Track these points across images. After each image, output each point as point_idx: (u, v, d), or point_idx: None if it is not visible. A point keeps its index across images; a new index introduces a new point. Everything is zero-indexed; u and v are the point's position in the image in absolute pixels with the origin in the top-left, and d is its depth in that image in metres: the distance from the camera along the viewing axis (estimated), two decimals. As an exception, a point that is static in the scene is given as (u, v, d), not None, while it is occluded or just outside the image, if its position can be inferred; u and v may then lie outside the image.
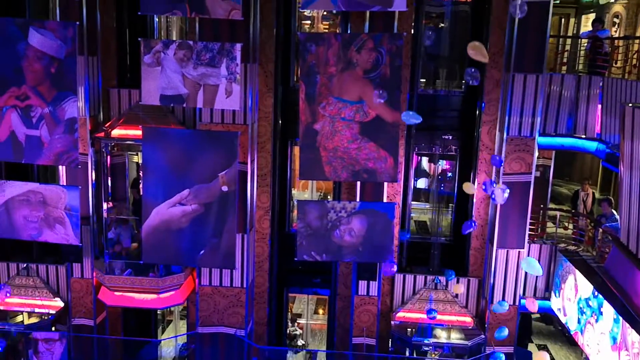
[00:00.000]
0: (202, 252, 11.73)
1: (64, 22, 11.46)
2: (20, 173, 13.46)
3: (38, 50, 11.02)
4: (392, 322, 13.28)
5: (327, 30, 15.37)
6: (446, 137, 13.41)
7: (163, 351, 15.60)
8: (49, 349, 12.41)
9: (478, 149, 12.97)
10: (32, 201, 11.76)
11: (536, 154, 12.39)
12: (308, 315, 16.37)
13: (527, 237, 12.61)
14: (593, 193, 14.44)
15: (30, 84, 11.17)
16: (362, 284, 13.21)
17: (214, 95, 11.06)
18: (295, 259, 11.97)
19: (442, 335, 13.05)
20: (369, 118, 11.10)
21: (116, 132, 12.46)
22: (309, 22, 15.80)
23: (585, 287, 11.77)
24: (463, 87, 13.35)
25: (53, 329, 13.04)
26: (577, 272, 12.15)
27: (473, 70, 9.03)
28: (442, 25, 13.83)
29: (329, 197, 14.92)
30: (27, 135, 11.34)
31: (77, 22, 11.15)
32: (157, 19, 13.92)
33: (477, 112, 12.99)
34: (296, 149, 13.33)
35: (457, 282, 13.10)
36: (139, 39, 11.06)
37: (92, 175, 12.81)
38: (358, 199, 12.56)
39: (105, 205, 12.97)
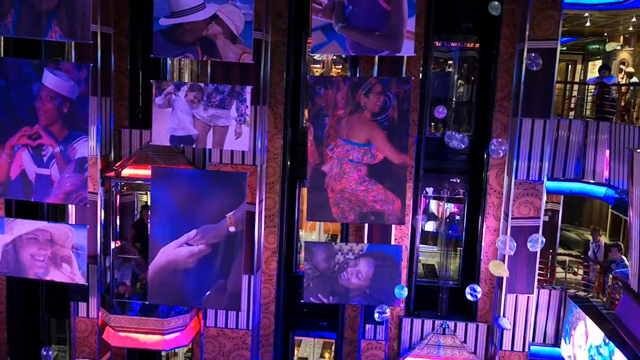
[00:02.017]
0: (208, 293, 11.66)
1: (78, 63, 11.69)
2: (30, 211, 13.54)
3: (51, 91, 11.22)
4: (399, 368, 13.07)
5: (339, 74, 15.58)
6: (454, 180, 13.42)
7: (167, 394, 15.40)
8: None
9: (486, 193, 12.95)
10: (40, 240, 11.79)
11: (544, 198, 12.35)
12: None
13: (536, 282, 12.47)
14: (605, 243, 14.31)
15: (43, 124, 11.33)
16: (369, 328, 13.05)
17: (223, 136, 11.17)
18: (302, 301, 11.87)
19: (450, 382, 12.80)
20: (376, 160, 11.15)
21: (126, 172, 12.57)
22: (319, 65, 16.05)
23: (596, 334, 11.55)
24: (471, 130, 13.42)
25: None
26: (588, 319, 11.94)
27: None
28: (450, 69, 14.01)
29: (337, 239, 14.86)
30: (37, 173, 11.44)
31: (91, 64, 11.37)
32: (169, 62, 14.18)
33: (485, 155, 13.02)
34: (304, 190, 13.37)
35: (466, 331, 12.99)
36: (151, 80, 11.25)
37: (101, 214, 12.88)
38: (365, 241, 12.52)
39: (113, 245, 12.98)
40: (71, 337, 13.79)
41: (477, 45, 13.48)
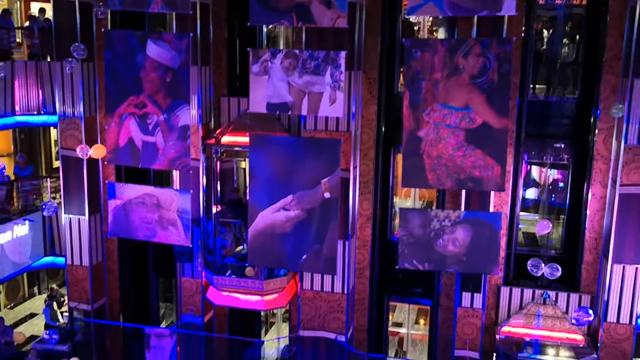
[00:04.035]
0: (304, 257, 11.88)
1: (179, 33, 12.09)
2: (138, 177, 14.31)
3: (155, 61, 11.67)
4: (497, 337, 12.84)
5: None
6: (558, 145, 12.82)
7: (266, 352, 15.97)
8: (159, 344, 13.05)
9: (592, 158, 12.31)
10: (148, 204, 12.43)
11: (658, 163, 11.57)
12: (409, 325, 16.15)
13: (646, 252, 11.79)
14: None
15: (147, 93, 11.85)
16: (466, 296, 12.88)
17: (318, 102, 11.21)
18: (397, 267, 11.86)
19: (550, 352, 12.44)
20: (475, 125, 10.80)
21: (226, 139, 12.95)
22: (416, 28, 15.68)
23: None
24: (577, 93, 12.72)
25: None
26: None
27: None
28: (554, 28, 13.27)
29: (432, 206, 14.68)
30: (144, 141, 12.02)
31: (191, 34, 11.70)
32: (265, 30, 14.35)
33: (592, 119, 12.33)
34: (399, 157, 13.23)
35: (567, 302, 12.65)
36: (248, 49, 11.45)
37: (203, 180, 13.40)
38: (463, 208, 12.28)
39: (214, 209, 13.50)
40: (177, 295, 14.59)
41: (584, 1, 12.66)
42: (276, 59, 11.20)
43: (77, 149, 12.29)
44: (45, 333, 12.53)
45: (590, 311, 10.47)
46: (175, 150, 11.85)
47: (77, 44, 11.75)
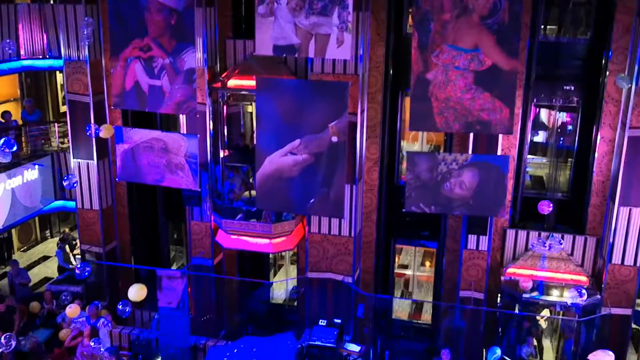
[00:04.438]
0: (312, 200, 11.96)
1: (184, -26, 11.83)
2: (145, 122, 14.31)
3: (159, 3, 11.47)
4: (502, 278, 13.03)
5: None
6: (568, 87, 12.66)
7: (275, 293, 16.32)
8: (171, 285, 13.33)
9: (603, 101, 12.16)
10: (155, 148, 12.48)
11: (669, 105, 11.44)
12: (415, 267, 16.40)
13: (653, 195, 11.80)
14: None
15: (152, 35, 11.71)
16: (472, 238, 13.00)
17: (325, 44, 11.05)
18: (404, 210, 11.94)
19: (554, 294, 12.64)
20: (484, 67, 10.65)
21: (232, 83, 12.84)
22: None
23: None
24: (589, 33, 12.47)
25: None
26: None
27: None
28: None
29: (440, 150, 14.66)
30: (149, 85, 11.96)
31: (195, -26, 11.47)
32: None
33: (603, 60, 12.12)
34: (407, 100, 13.12)
35: (573, 244, 12.73)
36: (253, -11, 11.21)
37: (209, 124, 13.38)
38: (470, 152, 12.26)
39: (222, 153, 13.53)
40: (187, 238, 14.81)
41: None
42: (282, 0, 10.99)
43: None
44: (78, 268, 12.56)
45: (584, 291, 10.78)
46: (182, 94, 11.80)
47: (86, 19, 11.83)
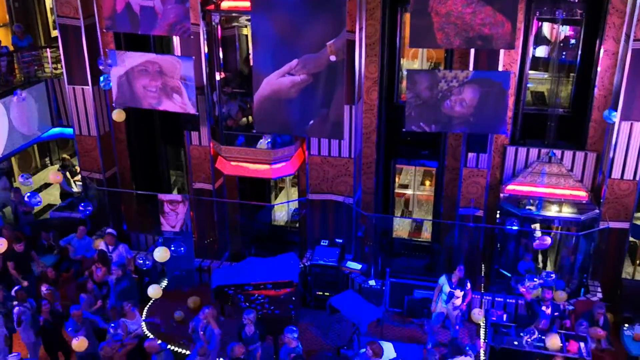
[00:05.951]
0: (311, 122, 11.85)
1: None
2: (138, 45, 13.98)
3: None
4: (501, 195, 13.13)
5: None
6: (571, -1, 12.32)
7: (276, 215, 16.50)
8: (173, 209, 13.44)
9: (607, 12, 11.85)
10: (150, 71, 12.24)
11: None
12: (415, 187, 16.50)
13: (655, 109, 11.70)
14: None
15: (142, -47, 11.27)
16: (472, 156, 12.99)
17: (321, -41, 10.64)
18: (404, 129, 11.87)
19: (553, 209, 12.77)
20: (486, -21, 10.31)
21: (225, 5, 12.46)
22: None
23: None
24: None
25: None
26: None
27: None
28: None
29: (440, 66, 14.41)
30: (141, 5, 11.59)
31: None
32: None
33: (610, -31, 11.73)
34: (406, 16, 12.79)
35: (573, 160, 12.74)
36: None
37: (204, 47, 13.07)
38: (471, 68, 12.06)
39: (218, 76, 13.30)
40: (187, 163, 14.81)
41: None
42: None
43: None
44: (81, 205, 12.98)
45: (536, 278, 10.87)
46: (174, 15, 11.45)
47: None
